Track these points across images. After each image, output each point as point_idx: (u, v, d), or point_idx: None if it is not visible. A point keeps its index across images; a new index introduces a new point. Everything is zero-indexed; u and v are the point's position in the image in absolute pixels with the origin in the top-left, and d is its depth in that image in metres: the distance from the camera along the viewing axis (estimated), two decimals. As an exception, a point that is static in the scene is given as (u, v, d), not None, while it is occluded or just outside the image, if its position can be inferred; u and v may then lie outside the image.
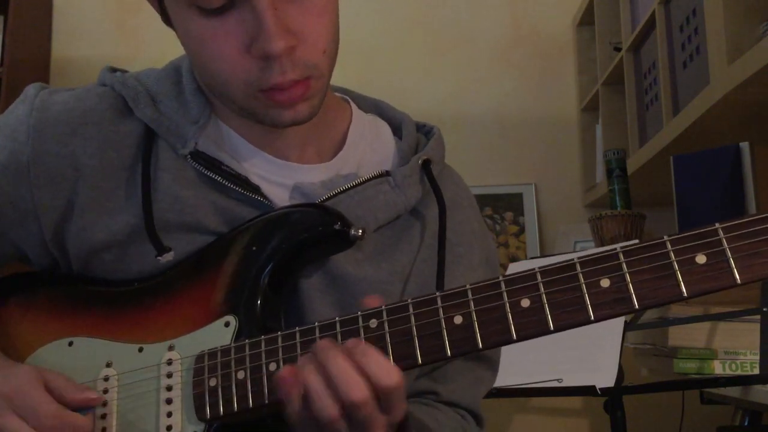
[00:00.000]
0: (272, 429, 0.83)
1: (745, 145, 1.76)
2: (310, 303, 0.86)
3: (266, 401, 0.76)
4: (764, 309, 1.55)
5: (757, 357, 1.59)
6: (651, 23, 2.08)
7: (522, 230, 2.75)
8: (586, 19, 2.75)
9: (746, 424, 1.88)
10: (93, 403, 0.82)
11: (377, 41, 2.83)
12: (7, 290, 0.94)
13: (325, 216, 0.85)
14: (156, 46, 2.81)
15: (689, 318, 1.71)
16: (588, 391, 1.64)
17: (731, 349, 1.74)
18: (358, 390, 0.68)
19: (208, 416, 0.79)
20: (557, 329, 0.68)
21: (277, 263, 0.84)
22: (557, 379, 1.71)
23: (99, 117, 0.90)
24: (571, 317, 0.67)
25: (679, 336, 1.77)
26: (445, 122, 2.78)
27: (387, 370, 0.69)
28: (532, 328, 0.69)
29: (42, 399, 0.79)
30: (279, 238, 0.84)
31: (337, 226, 0.84)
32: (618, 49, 2.44)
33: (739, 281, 0.62)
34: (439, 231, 0.92)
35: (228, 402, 0.78)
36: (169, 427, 0.81)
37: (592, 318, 0.67)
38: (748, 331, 1.71)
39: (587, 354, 1.72)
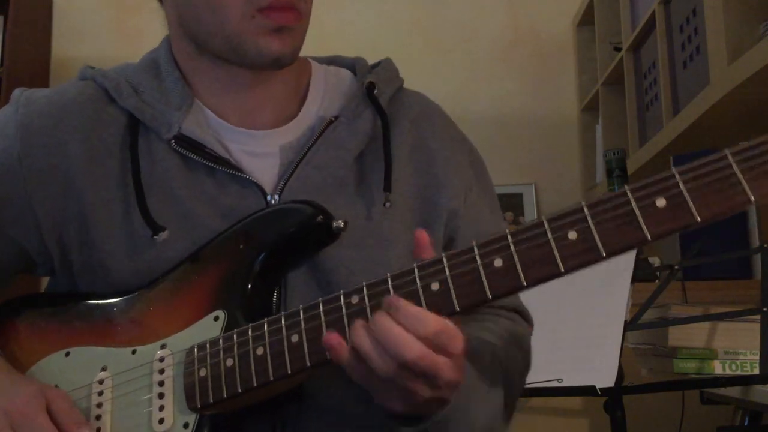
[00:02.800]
0: (261, 418, 0.85)
1: (745, 145, 1.75)
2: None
3: (255, 384, 0.79)
4: (764, 309, 1.56)
5: (757, 357, 1.59)
6: (651, 23, 2.09)
7: (522, 230, 2.75)
8: (586, 19, 2.75)
9: (746, 424, 1.88)
10: None
11: (377, 41, 2.84)
12: (9, 312, 0.96)
13: (308, 210, 0.87)
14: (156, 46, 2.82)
15: (689, 318, 1.71)
16: (588, 391, 1.64)
17: (731, 349, 1.74)
18: (409, 349, 0.70)
19: (199, 405, 0.81)
20: (530, 284, 0.71)
21: (265, 258, 0.87)
22: (557, 379, 1.71)
23: (81, 107, 0.94)
24: (542, 271, 0.70)
25: (679, 336, 1.77)
26: (445, 122, 2.78)
27: (422, 321, 0.71)
28: (506, 285, 0.71)
29: (42, 424, 0.80)
30: (265, 235, 0.87)
31: (319, 219, 0.86)
32: (618, 49, 2.44)
33: (698, 219, 0.65)
34: (383, 140, 0.96)
35: (217, 389, 0.80)
36: (161, 420, 0.82)
37: (562, 269, 0.69)
38: (748, 331, 1.71)
39: (587, 354, 1.72)
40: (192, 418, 0.81)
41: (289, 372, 0.77)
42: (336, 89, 1.02)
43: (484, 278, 0.72)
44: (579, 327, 1.75)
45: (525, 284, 0.70)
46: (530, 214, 2.75)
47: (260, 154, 0.95)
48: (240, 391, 0.79)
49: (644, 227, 0.67)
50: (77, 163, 0.91)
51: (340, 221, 0.86)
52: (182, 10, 0.94)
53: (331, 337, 0.74)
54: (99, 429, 0.85)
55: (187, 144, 0.92)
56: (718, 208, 0.65)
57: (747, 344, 1.72)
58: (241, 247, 0.87)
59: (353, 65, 1.07)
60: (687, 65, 1.87)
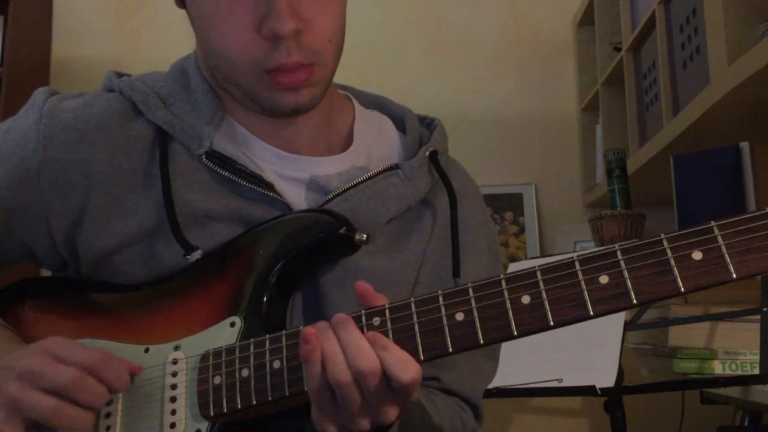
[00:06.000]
0: (274, 427, 0.84)
1: (745, 145, 1.76)
2: (328, 297, 0.88)
3: (270, 398, 0.77)
4: (764, 309, 1.55)
5: (757, 357, 1.59)
6: (651, 23, 2.09)
7: (522, 230, 2.75)
8: (586, 19, 2.75)
9: (746, 424, 1.87)
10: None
11: (377, 41, 2.84)
12: (20, 294, 0.95)
13: (331, 220, 0.86)
14: (156, 46, 2.82)
15: (689, 318, 1.72)
16: (588, 391, 1.64)
17: (731, 349, 1.74)
18: (366, 360, 0.71)
19: (212, 414, 0.79)
20: (557, 325, 0.70)
21: (284, 265, 0.85)
22: (557, 379, 1.71)
23: (107, 122, 0.91)
24: (571, 312, 0.69)
25: (679, 336, 1.77)
26: (445, 122, 2.76)
27: (404, 364, 0.71)
28: (533, 323, 0.70)
29: (57, 365, 0.78)
30: (285, 241, 0.86)
31: (342, 231, 0.85)
32: (618, 49, 2.44)
33: (734, 276, 0.64)
34: (451, 220, 0.95)
35: (232, 399, 0.79)
36: (172, 425, 0.81)
37: (591, 313, 0.68)
38: (748, 331, 1.71)
39: (587, 354, 1.72)
40: (204, 426, 0.80)
41: (306, 388, 0.76)
42: (378, 140, 0.99)
43: (510, 314, 0.70)
44: (579, 327, 1.75)
45: (551, 324, 0.69)
46: (530, 214, 2.75)
47: (288, 177, 0.92)
48: (254, 403, 0.78)
49: (679, 280, 0.66)
50: (98, 182, 0.89)
51: (363, 234, 0.85)
52: (204, 51, 0.92)
53: (309, 332, 0.73)
54: (108, 428, 0.84)
55: (219, 160, 0.89)
56: (755, 267, 0.64)
57: (747, 344, 1.72)
58: (261, 252, 0.86)
59: (400, 116, 1.03)
60: (687, 65, 1.87)
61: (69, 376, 0.77)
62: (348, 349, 0.71)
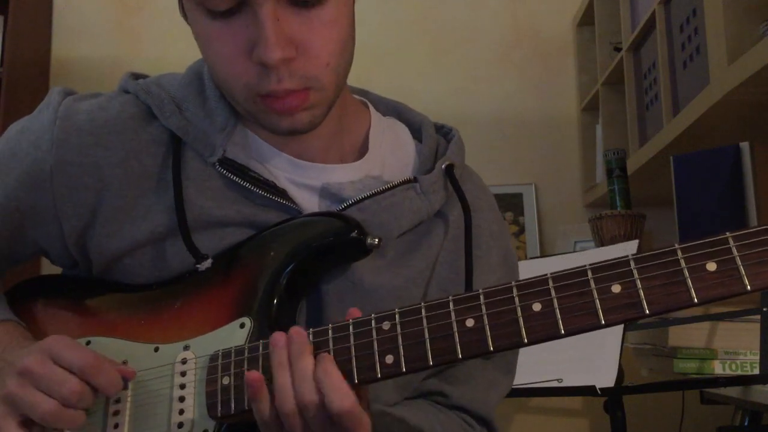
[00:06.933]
0: None
1: (745, 145, 1.76)
2: (329, 308, 0.88)
3: None
4: (764, 309, 1.56)
5: (757, 357, 1.59)
6: (651, 23, 2.09)
7: (522, 230, 2.75)
8: (586, 19, 2.75)
9: (746, 424, 1.88)
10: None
11: (378, 41, 2.84)
12: (32, 292, 0.96)
13: (342, 224, 0.86)
14: (156, 46, 2.82)
15: (689, 318, 1.72)
16: (588, 391, 1.64)
17: (731, 349, 1.74)
18: (309, 392, 0.72)
19: (220, 414, 0.79)
20: (568, 333, 0.69)
21: (295, 267, 0.85)
22: (557, 379, 1.71)
23: (122, 126, 0.91)
24: (582, 321, 0.69)
25: (679, 336, 1.77)
26: (445, 122, 2.78)
27: (340, 394, 0.72)
28: (543, 331, 0.70)
29: (61, 371, 0.79)
30: (296, 244, 0.86)
31: (353, 234, 0.85)
32: (618, 49, 2.44)
33: (749, 288, 0.64)
34: (465, 234, 0.94)
35: (239, 400, 0.79)
36: (180, 425, 0.81)
37: (603, 322, 0.68)
38: (748, 331, 1.71)
39: (587, 354, 1.72)
40: (212, 426, 0.80)
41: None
42: (393, 149, 0.98)
43: (521, 322, 0.70)
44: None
45: (563, 332, 0.69)
46: (530, 214, 2.75)
47: (301, 184, 0.92)
48: None
49: (692, 291, 0.65)
50: (110, 185, 0.89)
51: (375, 238, 0.85)
52: (206, 66, 0.92)
53: (253, 375, 0.74)
54: (117, 425, 0.84)
55: (231, 167, 0.89)
56: None
57: (747, 344, 1.73)
58: (272, 254, 0.86)
59: (418, 124, 1.02)
60: (687, 65, 1.87)
61: (69, 386, 0.77)
62: (295, 380, 0.73)
